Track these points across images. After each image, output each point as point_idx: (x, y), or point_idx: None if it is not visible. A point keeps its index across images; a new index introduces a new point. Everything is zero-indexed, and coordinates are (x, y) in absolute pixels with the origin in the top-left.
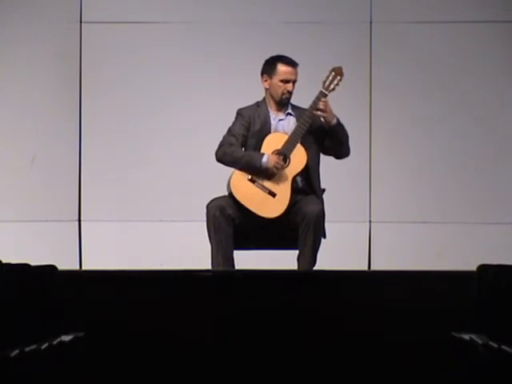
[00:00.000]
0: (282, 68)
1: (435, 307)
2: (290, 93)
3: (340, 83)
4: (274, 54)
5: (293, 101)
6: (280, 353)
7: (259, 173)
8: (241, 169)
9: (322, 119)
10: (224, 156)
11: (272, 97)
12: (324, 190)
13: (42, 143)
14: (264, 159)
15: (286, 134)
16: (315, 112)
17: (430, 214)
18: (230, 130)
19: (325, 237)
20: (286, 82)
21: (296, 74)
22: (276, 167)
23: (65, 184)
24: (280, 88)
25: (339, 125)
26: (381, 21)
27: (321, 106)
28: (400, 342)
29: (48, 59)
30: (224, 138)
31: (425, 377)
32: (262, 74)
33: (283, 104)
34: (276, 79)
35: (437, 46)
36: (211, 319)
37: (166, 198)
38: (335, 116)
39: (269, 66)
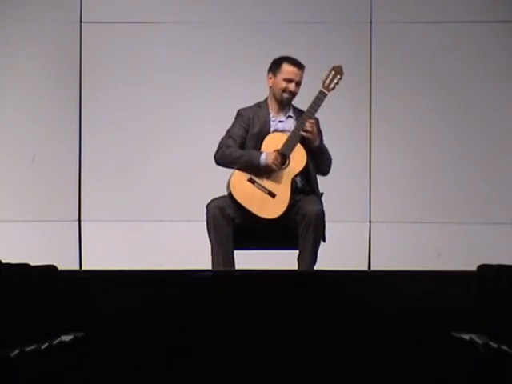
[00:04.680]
0: (286, 67)
1: (435, 307)
2: (292, 93)
3: (340, 82)
4: (274, 54)
5: (293, 101)
6: (280, 352)
7: (258, 171)
8: (240, 168)
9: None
10: (223, 158)
11: (274, 96)
12: (322, 194)
13: (41, 143)
14: (262, 157)
15: (286, 134)
16: (301, 132)
17: (430, 214)
18: (228, 132)
19: (324, 240)
20: (289, 81)
21: (301, 75)
22: (275, 164)
23: (65, 184)
24: (282, 86)
25: (321, 147)
26: (381, 21)
27: (308, 127)
28: (400, 342)
29: (48, 59)
30: (222, 140)
31: (425, 377)
32: (268, 71)
33: (284, 105)
34: (279, 77)
35: (437, 46)
36: (211, 319)
37: (166, 198)
38: (319, 138)
39: (275, 65)
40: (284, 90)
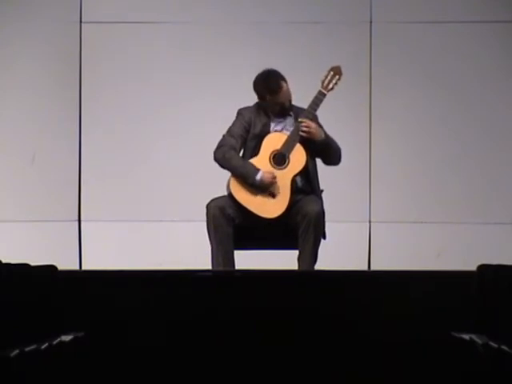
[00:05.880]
0: (271, 97)
1: (435, 307)
2: (287, 106)
3: (339, 82)
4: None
5: (293, 101)
6: (280, 353)
7: (253, 187)
8: (236, 178)
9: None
10: (222, 159)
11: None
12: (322, 191)
13: (41, 143)
14: (258, 177)
15: (285, 133)
16: (300, 133)
17: (430, 214)
18: (229, 131)
19: (325, 238)
20: (279, 103)
21: (287, 89)
22: (270, 184)
23: (65, 184)
24: (275, 108)
25: (327, 140)
26: (381, 20)
27: (304, 128)
28: (400, 342)
29: (48, 59)
30: (224, 138)
31: (425, 377)
32: (255, 92)
33: (283, 113)
34: (268, 103)
35: (437, 46)
36: (211, 319)
37: (166, 198)
38: (322, 132)
39: (258, 94)
40: (279, 109)
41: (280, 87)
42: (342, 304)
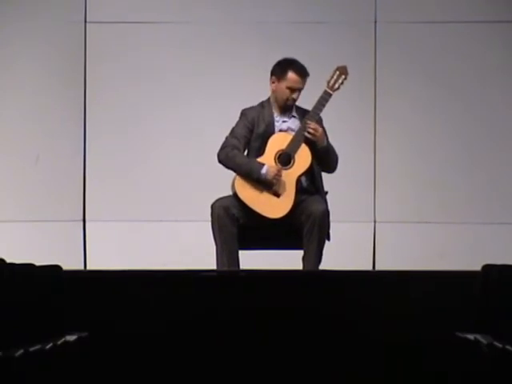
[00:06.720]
0: (291, 76)
1: (439, 307)
2: (295, 100)
3: (345, 82)
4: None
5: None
6: (285, 352)
7: (259, 182)
8: (241, 176)
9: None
10: (226, 159)
11: (276, 100)
12: (327, 193)
13: (46, 143)
14: (263, 171)
15: (290, 134)
16: (306, 134)
17: (435, 214)
18: (233, 131)
19: (329, 239)
20: (292, 90)
21: (304, 83)
22: (276, 178)
23: (69, 184)
24: (285, 95)
25: (328, 147)
26: (385, 20)
27: (310, 130)
28: (404, 342)
29: (53, 59)
30: (227, 139)
31: (429, 377)
32: (272, 74)
33: (287, 109)
34: (283, 85)
35: (441, 46)
36: (216, 319)
37: (170, 198)
38: (325, 138)
39: (279, 70)
40: (287, 99)
41: (306, 73)
42: (346, 304)
